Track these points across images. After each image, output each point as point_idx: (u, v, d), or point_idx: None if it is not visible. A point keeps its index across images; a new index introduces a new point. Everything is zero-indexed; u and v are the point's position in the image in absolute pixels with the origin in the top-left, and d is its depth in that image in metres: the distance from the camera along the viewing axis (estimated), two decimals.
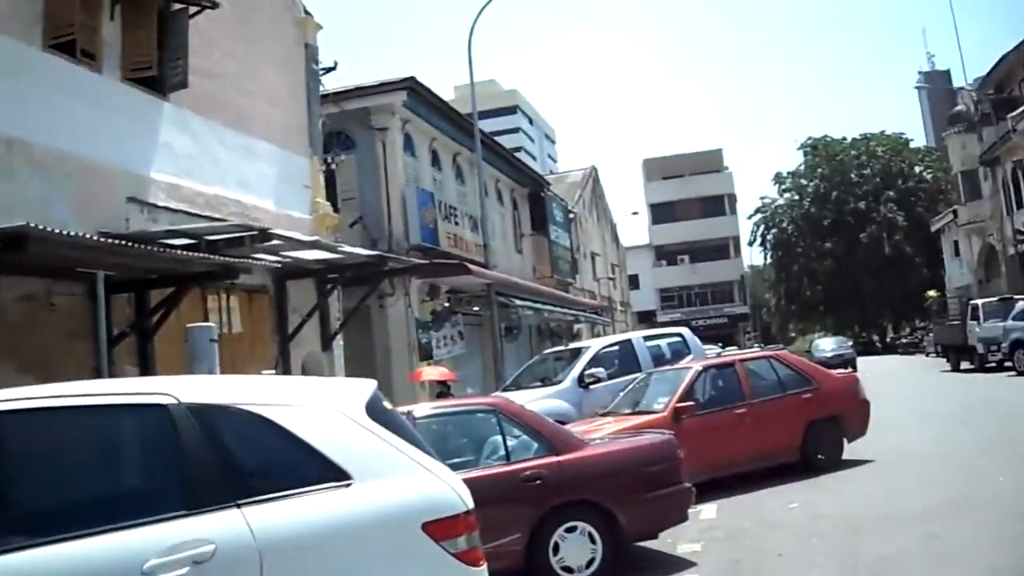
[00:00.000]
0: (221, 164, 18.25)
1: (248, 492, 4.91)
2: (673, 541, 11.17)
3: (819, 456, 16.15)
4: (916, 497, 12.47)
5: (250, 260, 15.91)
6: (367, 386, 5.83)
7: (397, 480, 5.25)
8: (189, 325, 13.51)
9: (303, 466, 5.14)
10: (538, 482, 9.81)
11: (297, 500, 4.97)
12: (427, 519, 5.19)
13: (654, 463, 10.67)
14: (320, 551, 4.90)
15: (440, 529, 5.24)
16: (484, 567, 5.69)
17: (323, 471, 5.09)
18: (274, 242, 16.14)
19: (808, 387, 16.68)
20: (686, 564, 10.45)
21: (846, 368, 40.91)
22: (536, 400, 18.77)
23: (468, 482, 9.52)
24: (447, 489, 5.47)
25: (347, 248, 19.17)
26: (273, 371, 10.62)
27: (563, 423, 17.08)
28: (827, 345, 60.70)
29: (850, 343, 65.86)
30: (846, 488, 14.16)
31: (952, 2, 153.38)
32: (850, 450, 16.63)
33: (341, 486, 5.06)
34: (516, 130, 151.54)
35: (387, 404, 5.94)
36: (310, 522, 4.91)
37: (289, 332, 19.91)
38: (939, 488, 12.96)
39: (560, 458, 10.07)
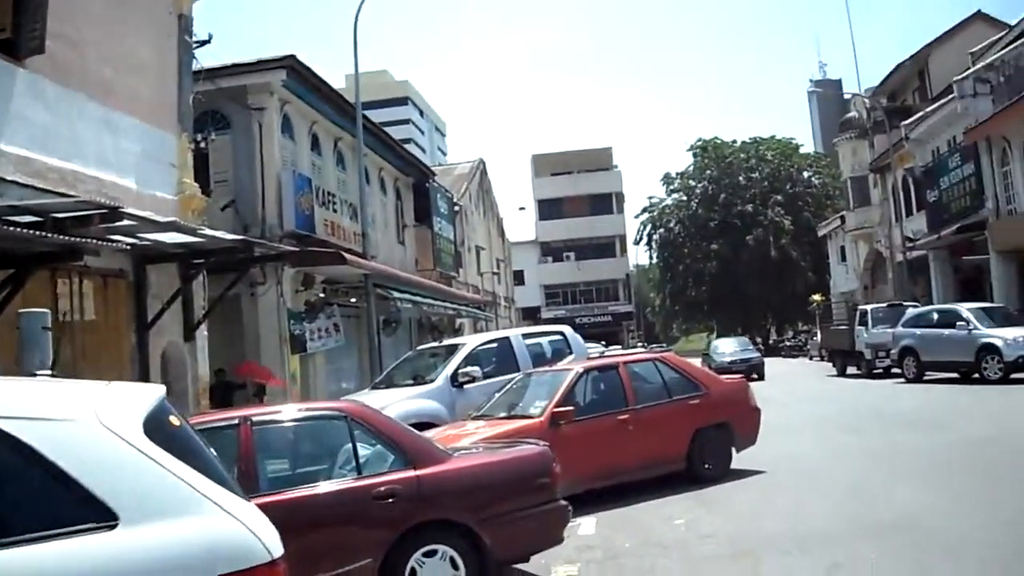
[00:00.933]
0: (80, 138, 16.86)
1: None
2: (547, 563, 10.15)
3: (706, 466, 15.41)
4: (812, 516, 11.68)
5: (97, 241, 14.62)
6: (150, 394, 4.65)
7: (180, 522, 4.01)
8: (21, 311, 12.25)
9: (52, 500, 3.90)
10: (392, 499, 8.59)
11: (42, 547, 3.75)
12: (220, 573, 3.97)
13: (526, 478, 9.59)
14: None
15: None
16: None
17: (79, 508, 3.85)
18: (127, 222, 14.89)
19: (695, 392, 15.93)
20: None
21: (752, 376, 40.67)
22: (406, 400, 18.06)
23: (311, 499, 8.47)
24: (246, 533, 4.20)
25: (209, 231, 17.87)
26: (49, 372, 9.18)
27: (434, 425, 16.26)
28: (727, 348, 54.28)
29: (752, 345, 59.72)
30: (735, 503, 13.38)
31: (849, 11, 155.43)
32: (738, 459, 15.93)
33: (103, 528, 3.84)
34: (407, 121, 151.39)
35: (176, 419, 4.72)
36: None
37: (148, 320, 18.69)
38: (836, 505, 12.22)
39: (418, 472, 8.87)
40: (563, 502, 9.72)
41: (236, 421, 8.76)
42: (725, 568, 9.71)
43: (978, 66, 45.76)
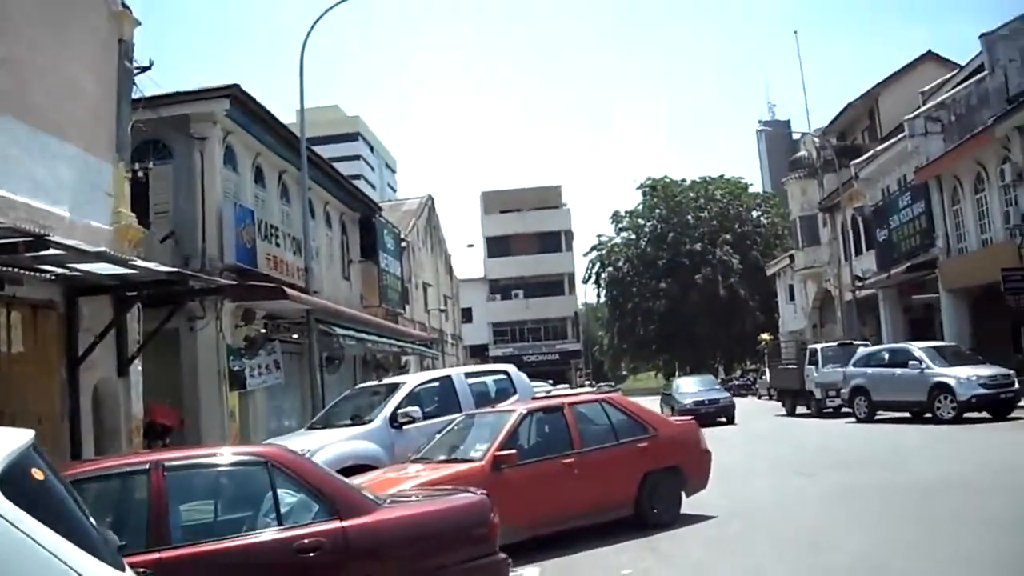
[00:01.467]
0: (10, 162, 16.14)
1: None
2: None
3: (655, 511, 14.98)
4: (766, 563, 11.30)
5: (21, 270, 13.99)
6: (11, 441, 3.92)
7: None
8: None
9: None
10: (316, 553, 7.86)
11: None
12: None
13: (461, 530, 8.90)
14: None
15: None
16: None
17: None
18: (54, 251, 14.25)
19: (644, 435, 15.49)
20: None
21: (720, 420, 40.06)
22: (342, 441, 17.56)
23: (223, 553, 7.85)
24: None
25: (142, 263, 17.14)
26: None
27: (372, 468, 15.73)
28: (690, 387, 47.65)
29: (718, 383, 55.69)
30: (687, 552, 12.86)
31: (799, 51, 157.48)
32: (689, 504, 15.50)
33: None
34: (357, 157, 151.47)
35: (40, 472, 3.99)
36: None
37: (79, 353, 17.98)
38: (793, 556, 11.79)
39: (345, 523, 8.12)
40: (502, 555, 9.10)
41: (147, 466, 7.95)
42: None
43: (929, 105, 46.18)
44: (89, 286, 17.51)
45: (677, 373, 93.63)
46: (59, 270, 15.58)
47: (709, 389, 46.83)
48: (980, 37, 43.13)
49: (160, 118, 24.96)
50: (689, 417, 20.04)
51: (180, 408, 24.14)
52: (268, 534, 8.03)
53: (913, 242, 46.57)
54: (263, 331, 28.20)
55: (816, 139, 64.66)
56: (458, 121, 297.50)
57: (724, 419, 41.63)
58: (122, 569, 3.95)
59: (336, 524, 8.12)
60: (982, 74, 43.61)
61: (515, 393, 20.15)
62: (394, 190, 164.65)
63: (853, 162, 54.73)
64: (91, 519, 4.23)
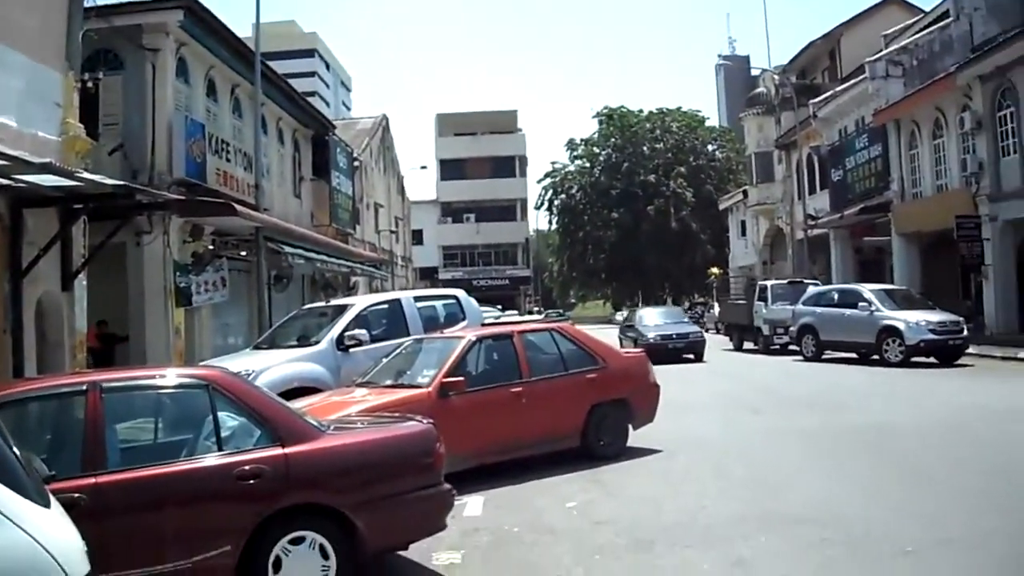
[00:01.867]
0: None
1: None
2: (428, 549, 9.41)
3: (602, 443, 14.98)
4: (714, 504, 11.19)
5: None
6: None
7: None
8: None
9: None
10: (256, 480, 7.68)
11: None
12: None
13: (407, 459, 8.70)
14: None
15: None
16: None
17: None
18: None
19: (593, 366, 15.39)
20: None
21: (689, 357, 37.82)
22: (288, 363, 17.36)
23: (164, 478, 7.57)
24: (38, 554, 3.29)
25: (87, 175, 16.75)
26: None
27: (317, 391, 15.60)
28: (654, 319, 42.46)
29: (687, 317, 48.79)
30: (632, 486, 12.85)
31: None
32: (635, 436, 15.50)
33: None
34: (312, 74, 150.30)
35: None
36: None
37: (23, 266, 17.66)
38: (740, 493, 11.80)
39: (287, 450, 7.95)
40: (447, 486, 8.94)
41: (84, 387, 7.69)
42: (621, 561, 9.09)
43: (892, 48, 46.20)
44: (35, 198, 17.15)
45: (628, 303, 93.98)
46: (4, 181, 15.25)
47: (677, 322, 41.83)
48: None
49: (112, 28, 24.50)
50: (641, 351, 20.03)
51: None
52: (208, 460, 7.85)
53: (868, 184, 46.68)
54: (211, 247, 27.79)
55: (776, 76, 64.52)
56: (416, 42, 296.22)
57: (692, 356, 37.93)
58: (47, 505, 3.76)
59: (278, 451, 7.97)
60: (947, 21, 43.61)
61: (464, 319, 20.02)
62: (348, 108, 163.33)
63: (812, 101, 54.67)
64: (15, 450, 4.01)
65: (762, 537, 9.45)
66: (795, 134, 57.36)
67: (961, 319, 29.92)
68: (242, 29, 33.51)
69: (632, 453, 15.00)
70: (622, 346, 35.26)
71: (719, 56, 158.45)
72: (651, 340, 37.14)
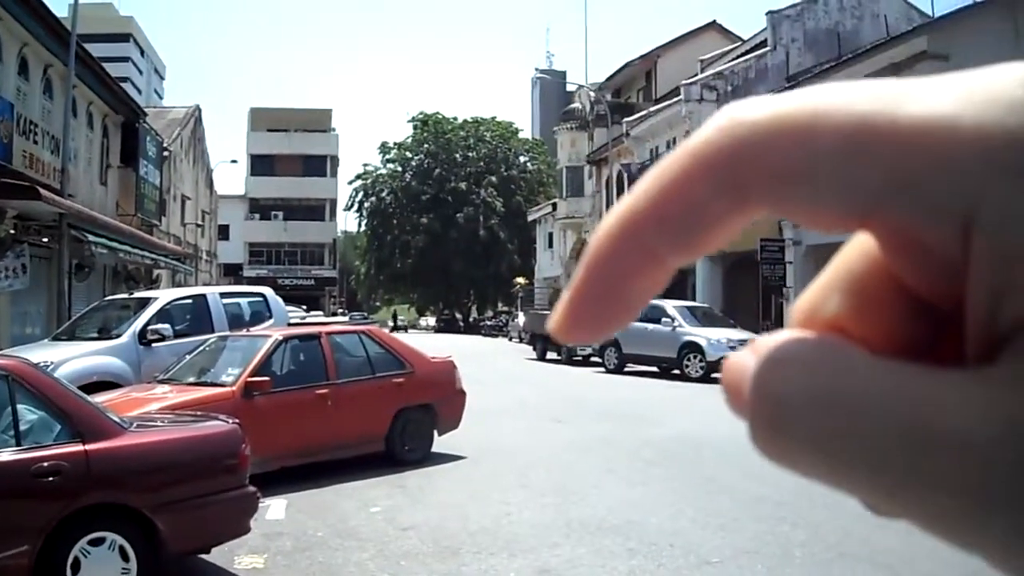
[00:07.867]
0: None
1: None
2: (231, 552, 9.30)
3: (407, 448, 15.08)
4: (519, 512, 11.32)
5: None
6: None
7: None
8: None
9: None
10: (55, 477, 7.43)
11: None
12: None
13: (211, 460, 8.59)
14: None
15: None
16: None
17: None
18: None
19: (400, 370, 15.50)
20: None
21: None
22: (87, 356, 17.02)
23: None
24: None
25: None
26: None
27: (116, 385, 15.33)
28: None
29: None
30: (438, 491, 12.94)
31: (586, 6, 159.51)
32: (440, 443, 15.61)
33: None
34: (126, 59, 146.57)
35: None
36: None
37: None
38: (544, 501, 11.98)
39: (87, 447, 7.69)
40: (251, 488, 8.86)
41: None
42: (427, 567, 9.15)
43: (707, 73, 47.30)
44: None
45: (433, 309, 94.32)
46: None
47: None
48: (767, 14, 44.36)
49: None
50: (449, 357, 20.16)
51: None
52: (4, 455, 7.56)
53: None
54: (12, 232, 26.99)
55: (592, 93, 65.36)
56: (234, 35, 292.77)
57: None
58: None
59: (78, 447, 7.73)
60: (764, 50, 44.87)
61: (271, 317, 19.94)
62: (161, 97, 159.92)
63: (626, 120, 55.49)
64: None
65: (567, 546, 9.61)
66: (607, 151, 57.96)
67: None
68: (58, 8, 32.65)
69: (437, 459, 15.09)
70: None
71: (536, 69, 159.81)
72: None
